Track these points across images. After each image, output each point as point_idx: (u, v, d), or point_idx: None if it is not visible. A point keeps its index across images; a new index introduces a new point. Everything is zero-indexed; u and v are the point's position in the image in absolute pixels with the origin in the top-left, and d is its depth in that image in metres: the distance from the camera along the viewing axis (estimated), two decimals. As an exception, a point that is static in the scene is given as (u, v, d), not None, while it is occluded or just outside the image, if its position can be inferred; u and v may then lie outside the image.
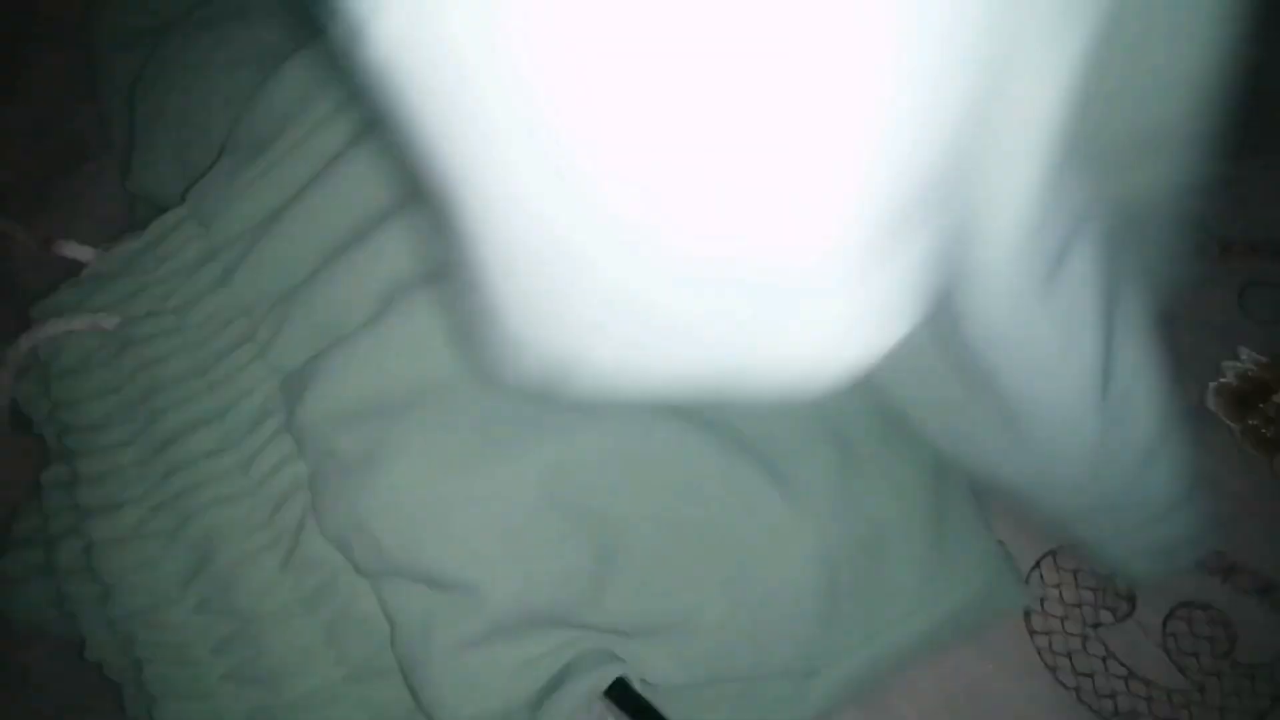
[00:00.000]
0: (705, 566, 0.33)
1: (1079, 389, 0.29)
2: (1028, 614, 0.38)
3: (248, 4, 0.44)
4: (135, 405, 0.36)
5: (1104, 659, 0.37)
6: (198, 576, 0.33)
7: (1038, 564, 0.39)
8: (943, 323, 0.27)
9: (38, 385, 0.39)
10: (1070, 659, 0.38)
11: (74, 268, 0.41)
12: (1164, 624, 0.38)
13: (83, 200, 0.49)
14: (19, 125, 0.53)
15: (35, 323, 0.38)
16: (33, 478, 0.38)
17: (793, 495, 0.34)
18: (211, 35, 0.43)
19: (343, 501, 0.31)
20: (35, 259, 0.46)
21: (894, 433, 0.36)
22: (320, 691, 0.32)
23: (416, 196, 0.35)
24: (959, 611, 0.36)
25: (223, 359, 0.36)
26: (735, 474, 0.34)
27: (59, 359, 0.38)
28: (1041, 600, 0.39)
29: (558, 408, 0.32)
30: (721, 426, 0.34)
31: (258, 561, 0.33)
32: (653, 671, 0.32)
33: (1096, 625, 0.38)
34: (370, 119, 0.37)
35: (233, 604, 0.33)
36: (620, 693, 0.34)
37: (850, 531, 0.35)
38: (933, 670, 0.37)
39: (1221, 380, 0.43)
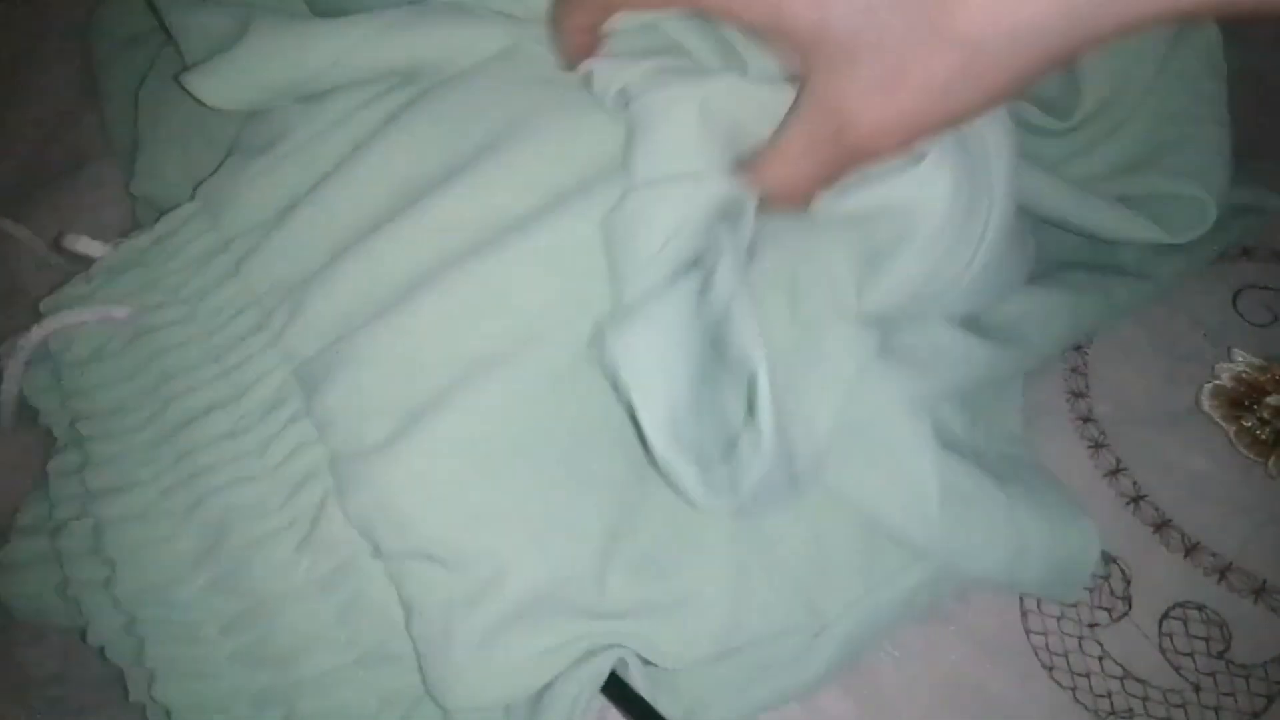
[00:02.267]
0: (706, 531, 0.34)
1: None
2: (1024, 614, 0.39)
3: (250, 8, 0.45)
4: (148, 392, 0.37)
5: (1100, 659, 0.38)
6: (210, 556, 0.33)
7: (1034, 564, 0.40)
8: None
9: (48, 377, 0.39)
10: (1067, 659, 0.38)
11: (78, 270, 0.41)
12: (1159, 624, 0.38)
13: (86, 203, 0.49)
14: (23, 129, 0.53)
15: (46, 316, 0.39)
16: (39, 469, 0.38)
17: None
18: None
19: (369, 481, 0.31)
20: (40, 262, 0.47)
21: None
22: (330, 674, 0.32)
23: (431, 189, 0.35)
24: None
25: (235, 346, 0.36)
26: None
27: (70, 350, 0.38)
28: (1038, 600, 0.39)
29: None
30: None
31: (274, 542, 0.33)
32: (661, 653, 0.32)
33: (1093, 625, 0.38)
34: (385, 115, 0.38)
35: (245, 584, 0.33)
36: (619, 690, 0.34)
37: None
38: (929, 669, 0.37)
39: (1216, 382, 0.43)
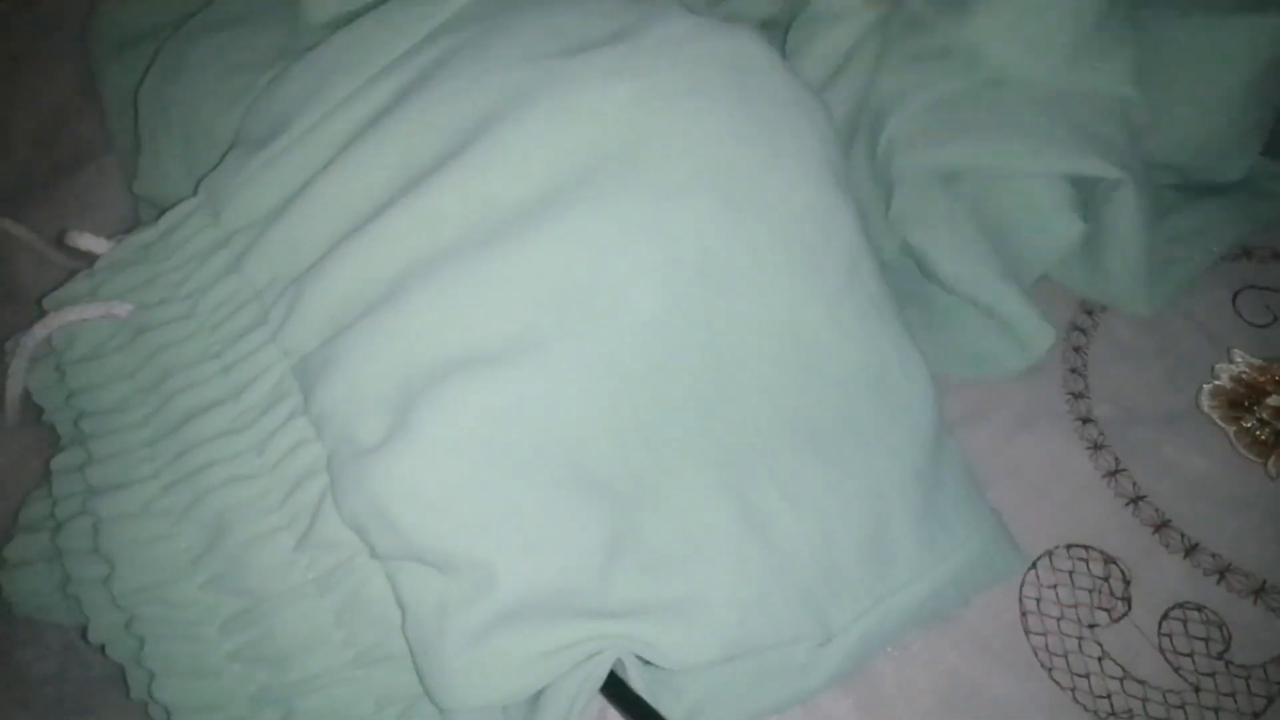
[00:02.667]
0: (715, 537, 0.34)
1: None
2: (1024, 615, 0.39)
3: (247, 9, 0.45)
4: (149, 389, 0.37)
5: (1100, 659, 0.38)
6: (208, 554, 0.33)
7: (1034, 565, 0.40)
8: None
9: (51, 373, 0.39)
10: (1066, 659, 0.38)
11: (79, 268, 0.41)
12: (1159, 625, 0.38)
13: (86, 202, 0.50)
14: (23, 129, 0.53)
15: (48, 313, 0.39)
16: (43, 467, 0.38)
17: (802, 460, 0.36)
18: (214, 39, 0.44)
19: (361, 485, 0.31)
20: (40, 260, 0.47)
21: (888, 399, 0.37)
22: (328, 673, 0.32)
23: (428, 179, 0.35)
24: (959, 575, 0.37)
25: (234, 342, 0.36)
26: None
27: (73, 346, 0.38)
28: (1038, 601, 0.39)
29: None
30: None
31: (272, 540, 0.33)
32: (665, 654, 0.32)
33: (1092, 626, 0.38)
34: (380, 104, 0.38)
35: (244, 583, 0.33)
36: (619, 691, 0.34)
37: (851, 494, 0.36)
38: (929, 669, 0.37)
39: (1215, 383, 0.43)
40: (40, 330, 0.38)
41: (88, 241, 0.40)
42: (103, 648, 0.35)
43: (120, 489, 0.35)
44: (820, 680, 0.35)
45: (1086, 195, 0.42)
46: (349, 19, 0.42)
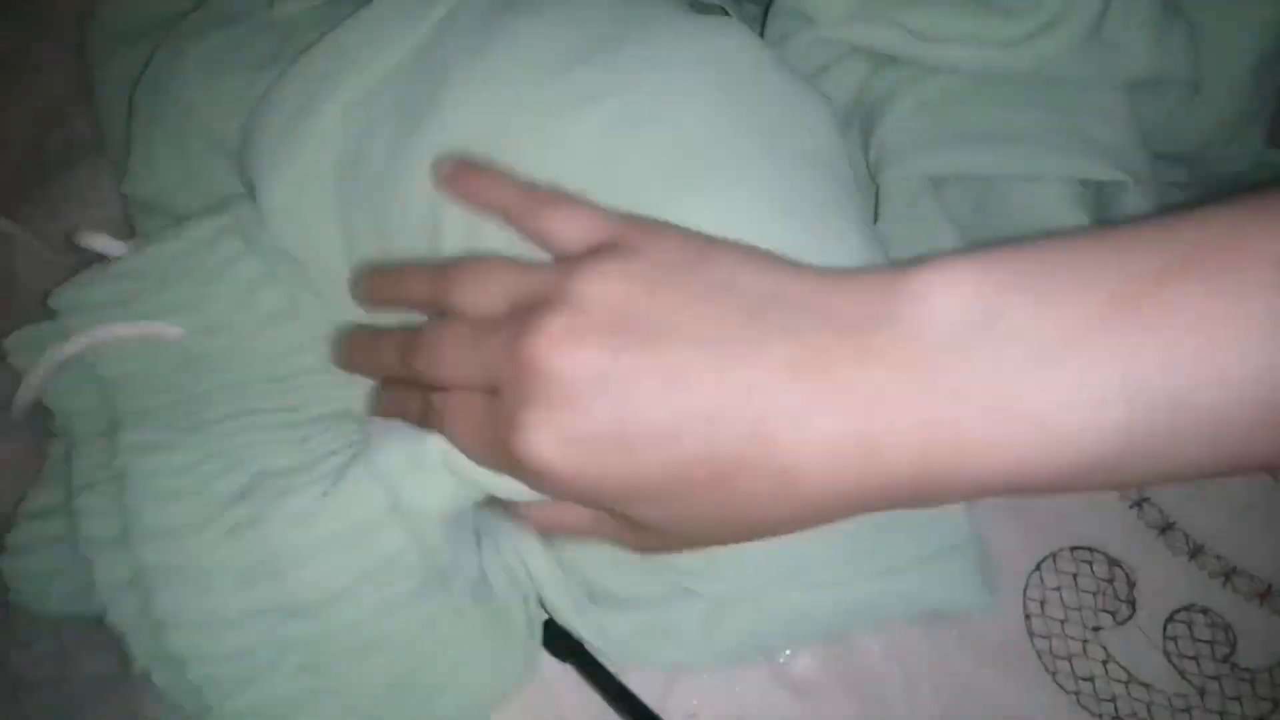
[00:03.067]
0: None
1: None
2: (1028, 617, 0.38)
3: (243, 9, 0.45)
4: (194, 400, 0.37)
5: (1104, 663, 0.38)
6: (234, 505, 0.33)
7: (1038, 566, 0.39)
8: None
9: (68, 380, 0.37)
10: (1070, 662, 0.38)
11: (70, 264, 0.40)
12: (1164, 628, 0.38)
13: (80, 202, 0.49)
14: (18, 128, 0.53)
15: (60, 314, 0.37)
16: (40, 469, 0.38)
17: None
18: (209, 39, 0.44)
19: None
20: (38, 261, 0.47)
21: None
22: (352, 626, 0.32)
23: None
24: (927, 586, 0.36)
25: (295, 378, 0.37)
26: None
27: (111, 363, 0.37)
28: (1041, 603, 0.39)
29: None
30: None
31: (299, 494, 0.33)
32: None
33: (1097, 629, 0.38)
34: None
35: (267, 535, 0.32)
36: (617, 690, 0.34)
37: None
38: (931, 672, 0.37)
39: (1221, 384, 0.43)
40: (79, 342, 0.36)
41: (102, 243, 0.39)
42: (99, 647, 0.34)
43: (151, 450, 0.34)
44: (819, 627, 0.36)
45: (1093, 190, 0.42)
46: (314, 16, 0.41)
